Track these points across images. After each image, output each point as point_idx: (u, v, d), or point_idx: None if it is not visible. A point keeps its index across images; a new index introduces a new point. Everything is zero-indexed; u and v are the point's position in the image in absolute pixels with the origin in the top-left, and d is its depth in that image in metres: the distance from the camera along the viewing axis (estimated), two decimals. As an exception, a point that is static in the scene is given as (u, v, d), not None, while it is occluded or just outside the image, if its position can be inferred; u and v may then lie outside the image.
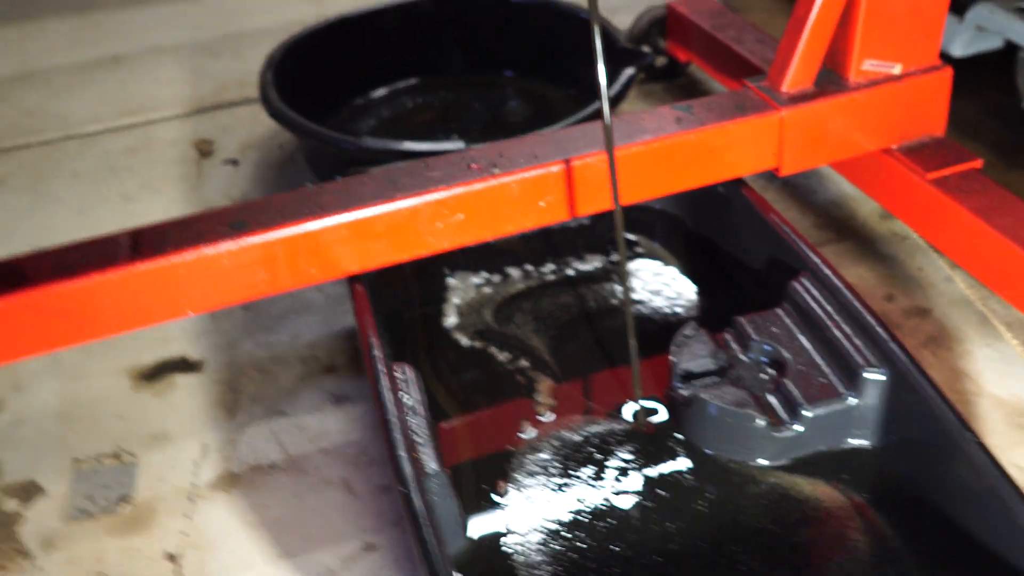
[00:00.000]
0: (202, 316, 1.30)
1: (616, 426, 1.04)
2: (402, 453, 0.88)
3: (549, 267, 1.26)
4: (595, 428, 1.04)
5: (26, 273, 0.95)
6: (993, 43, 1.58)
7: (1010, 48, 1.53)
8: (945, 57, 1.51)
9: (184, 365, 1.23)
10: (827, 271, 1.06)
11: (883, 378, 0.96)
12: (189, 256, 0.96)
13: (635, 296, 1.21)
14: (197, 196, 1.57)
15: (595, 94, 0.89)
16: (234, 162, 1.65)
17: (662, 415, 1.04)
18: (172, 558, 1.01)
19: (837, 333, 1.01)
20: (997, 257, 1.08)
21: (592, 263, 1.27)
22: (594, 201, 1.09)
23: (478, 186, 1.04)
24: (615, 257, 1.27)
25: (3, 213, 1.57)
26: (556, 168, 1.05)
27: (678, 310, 1.20)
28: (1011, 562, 0.82)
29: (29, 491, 1.10)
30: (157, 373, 1.23)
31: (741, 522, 0.94)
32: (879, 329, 0.98)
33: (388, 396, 0.93)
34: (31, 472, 1.12)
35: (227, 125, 1.76)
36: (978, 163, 1.17)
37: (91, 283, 0.94)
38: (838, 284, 1.04)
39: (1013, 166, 1.48)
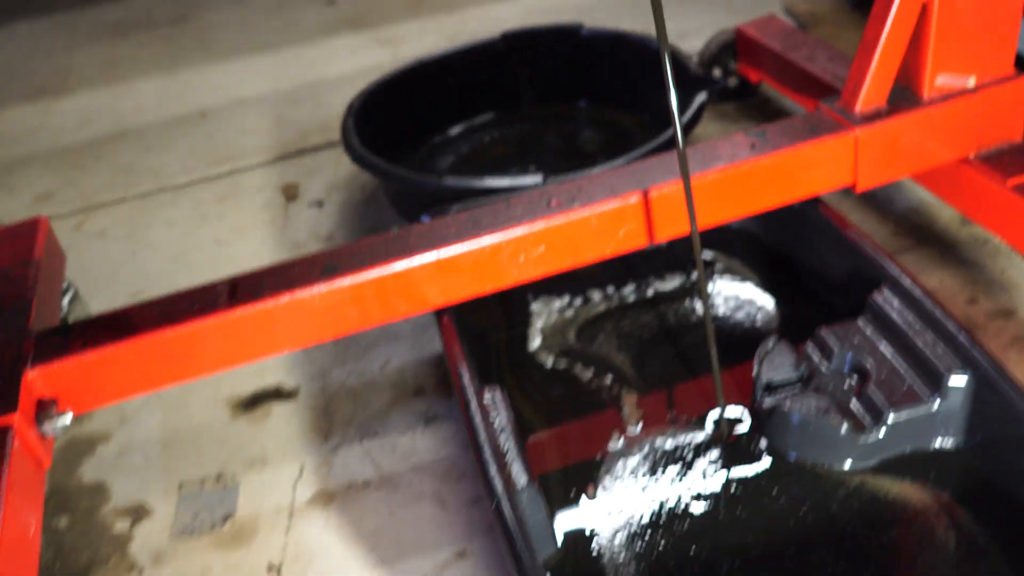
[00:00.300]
0: (296, 349, 1.35)
1: (700, 434, 1.06)
2: (493, 471, 0.91)
3: (629, 288, 1.29)
4: (680, 437, 1.06)
5: (134, 322, 1.02)
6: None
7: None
8: (1021, 61, 1.51)
9: (280, 394, 1.28)
10: (907, 281, 1.06)
11: (966, 381, 0.96)
12: (284, 300, 1.02)
13: (715, 311, 1.23)
14: (285, 238, 1.63)
15: (668, 119, 0.92)
16: (319, 204, 1.71)
17: (745, 423, 1.05)
18: (273, 568, 1.06)
19: (919, 340, 1.01)
20: (1080, 258, 1.07)
21: (671, 283, 1.29)
22: (671, 227, 1.11)
23: (559, 220, 1.07)
24: (694, 276, 1.29)
25: (105, 262, 1.65)
26: (634, 199, 1.08)
27: (758, 324, 1.21)
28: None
29: (138, 512, 1.16)
30: (254, 402, 1.28)
31: (827, 524, 0.94)
32: (961, 333, 0.98)
33: (478, 419, 0.97)
34: (139, 495, 1.18)
35: (311, 169, 1.82)
36: (1057, 166, 1.17)
37: (193, 329, 1.00)
38: (918, 293, 1.04)
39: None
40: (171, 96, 2.23)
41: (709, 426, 1.06)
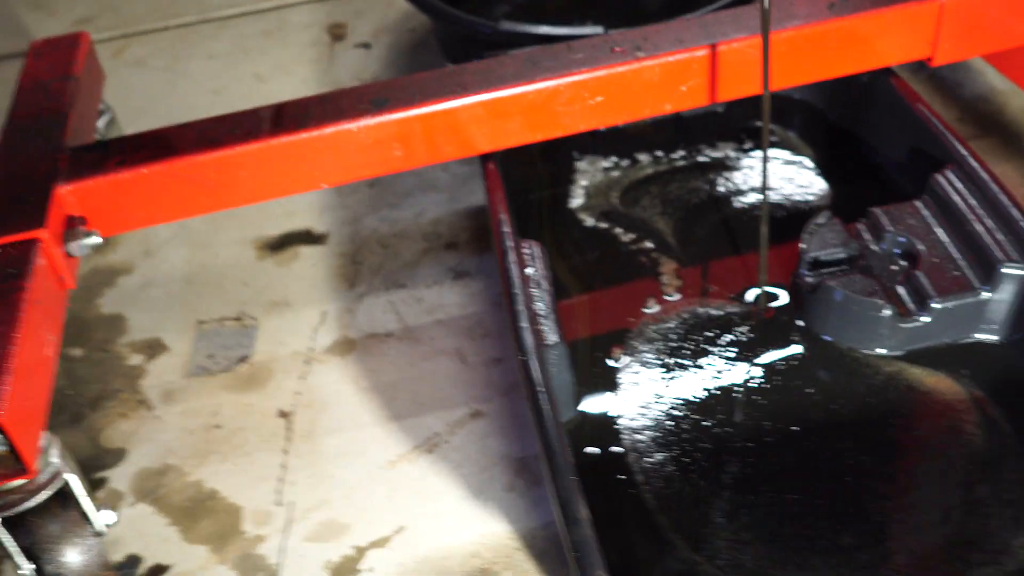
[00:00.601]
0: (329, 192, 1.32)
1: (737, 309, 1.03)
2: (524, 324, 0.89)
3: (679, 153, 1.24)
4: (715, 310, 1.03)
5: (173, 143, 0.99)
6: None
7: None
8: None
9: (308, 237, 1.26)
10: (974, 163, 1.01)
11: (1022, 273, 0.92)
12: (328, 131, 0.98)
13: (769, 184, 1.18)
14: (328, 78, 1.58)
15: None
16: (366, 46, 1.66)
17: (783, 300, 1.02)
18: (284, 414, 1.05)
19: (978, 227, 0.97)
20: None
21: (723, 150, 1.24)
22: (737, 86, 1.06)
23: (620, 69, 1.02)
24: (748, 145, 1.23)
25: (143, 92, 1.61)
26: (701, 53, 1.03)
27: (810, 199, 1.17)
28: None
29: (154, 348, 1.15)
30: (282, 244, 1.26)
31: (856, 411, 0.92)
32: (1023, 223, 0.93)
33: (514, 269, 0.94)
34: (156, 331, 1.17)
35: (360, 9, 1.77)
36: None
37: (234, 154, 0.97)
38: (985, 177, 0.99)
39: None
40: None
41: (747, 301, 1.03)
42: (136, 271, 1.26)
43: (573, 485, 0.77)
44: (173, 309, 1.19)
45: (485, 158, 1.07)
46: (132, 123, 1.48)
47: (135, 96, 1.60)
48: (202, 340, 1.15)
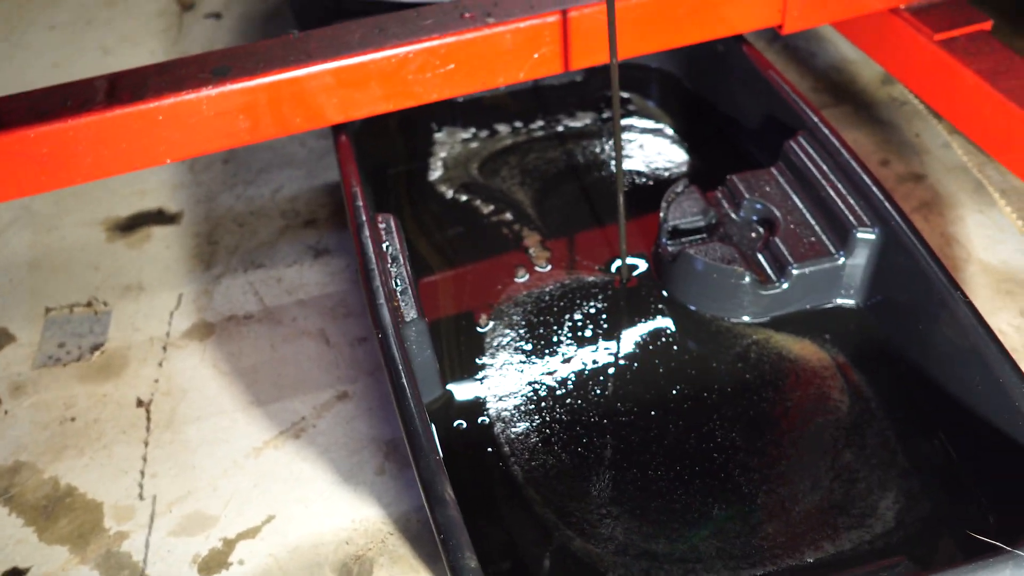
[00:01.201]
0: (181, 169, 1.26)
1: (600, 279, 1.02)
2: (382, 301, 0.86)
3: (538, 123, 1.23)
4: (576, 282, 1.02)
5: (1, 117, 0.92)
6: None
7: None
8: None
9: (161, 217, 1.20)
10: (825, 130, 1.02)
11: (874, 237, 0.94)
12: (168, 101, 0.93)
13: (627, 155, 1.18)
14: (177, 50, 1.52)
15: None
16: (217, 16, 1.59)
17: (644, 268, 1.02)
18: (142, 403, 1.00)
19: (831, 192, 0.98)
20: (1000, 120, 1.04)
21: (582, 120, 1.23)
22: (590, 54, 1.05)
23: (471, 35, 1.00)
24: (607, 114, 1.23)
25: (-23, 65, 1.52)
26: (552, 19, 1.01)
27: (669, 168, 1.17)
28: (991, 421, 0.80)
29: None
30: (133, 225, 1.20)
31: (722, 378, 0.92)
32: (874, 189, 0.95)
33: (369, 245, 0.91)
34: (1, 320, 1.09)
35: (210, -22, 1.70)
36: (987, 24, 1.13)
37: (67, 127, 0.92)
38: (836, 143, 1.01)
39: (1020, 30, 1.43)
40: None
41: (609, 272, 1.03)
42: (-26, 257, 1.18)
43: (437, 465, 0.75)
44: (18, 296, 1.12)
45: (338, 131, 1.04)
46: (-37, 99, 1.40)
47: (-32, 70, 1.50)
48: (51, 328, 1.08)
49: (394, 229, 0.94)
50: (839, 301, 0.98)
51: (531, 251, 1.06)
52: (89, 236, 1.19)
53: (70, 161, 0.94)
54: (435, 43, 0.99)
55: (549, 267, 1.04)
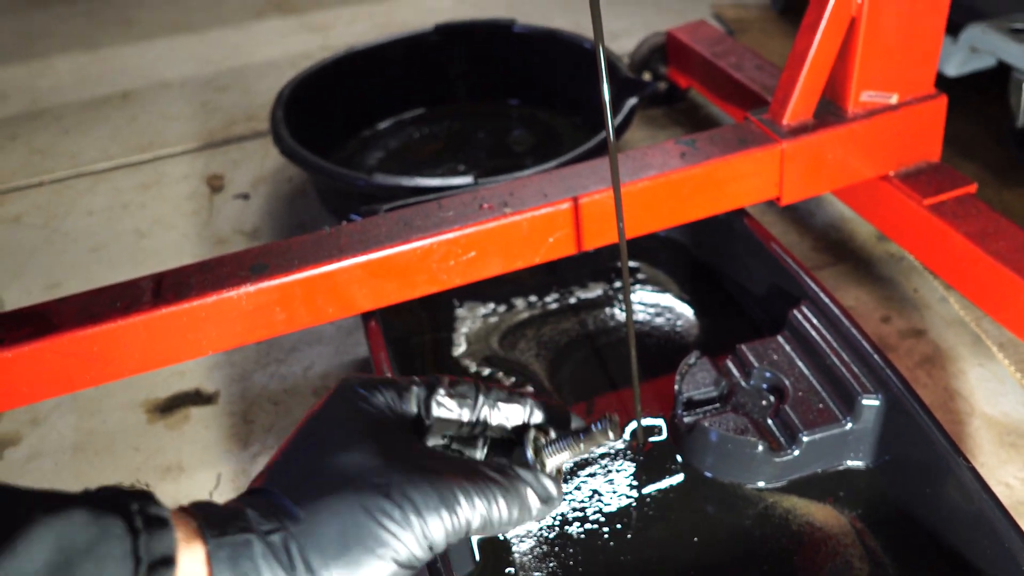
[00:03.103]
0: (216, 350, 1.32)
1: (616, 445, 1.07)
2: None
3: (552, 296, 1.29)
4: (595, 448, 1.07)
5: (52, 319, 0.99)
6: (987, 62, 1.61)
7: (1003, 67, 1.56)
8: (940, 77, 1.55)
9: (199, 398, 1.26)
10: (825, 299, 1.08)
11: (878, 403, 0.99)
12: (210, 300, 1.00)
13: (638, 322, 1.24)
14: (209, 231, 1.60)
15: (599, 121, 0.92)
16: (245, 196, 1.68)
17: (663, 434, 1.06)
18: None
19: (835, 360, 1.03)
20: (990, 280, 1.10)
21: (594, 291, 1.30)
22: (601, 236, 1.12)
23: (490, 225, 1.07)
24: (618, 284, 1.30)
25: (18, 251, 1.60)
26: (565, 206, 1.09)
27: (680, 335, 1.23)
28: (1003, 582, 0.84)
29: (51, 525, 1.12)
30: (172, 406, 1.26)
31: (738, 543, 0.96)
32: (875, 355, 1.01)
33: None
34: (49, 507, 1.14)
35: (237, 159, 1.80)
36: (972, 188, 1.20)
37: (115, 328, 0.98)
38: (836, 311, 1.06)
39: (1007, 184, 1.50)
40: (91, 76, 2.17)
41: (626, 436, 1.07)
42: (23, 442, 1.23)
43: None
44: (63, 481, 1.17)
45: (367, 316, 1.10)
46: (9, 284, 1.48)
47: (11, 255, 1.58)
48: (93, 511, 1.13)
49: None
50: (849, 463, 1.02)
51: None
52: (130, 418, 1.25)
53: (118, 358, 1.00)
54: (456, 234, 1.06)
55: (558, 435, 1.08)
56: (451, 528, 0.59)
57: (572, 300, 1.29)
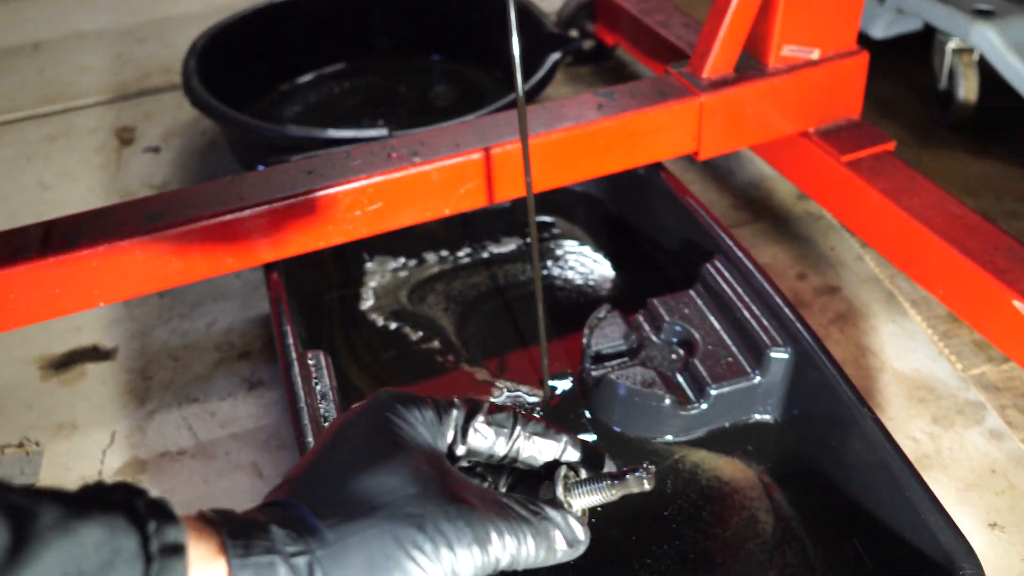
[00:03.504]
0: (116, 304, 1.28)
1: (525, 402, 1.04)
2: (311, 439, 0.88)
3: (464, 250, 1.26)
4: (503, 404, 1.04)
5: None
6: (913, 25, 1.60)
7: (929, 29, 1.56)
8: (866, 39, 1.54)
9: (96, 354, 1.22)
10: (739, 253, 1.07)
11: (787, 356, 0.97)
12: (102, 248, 0.96)
13: (551, 276, 1.22)
14: (116, 185, 1.54)
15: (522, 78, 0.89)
16: (156, 149, 1.63)
17: (568, 390, 1.04)
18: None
19: (746, 313, 1.02)
20: (904, 236, 1.09)
21: (508, 246, 1.27)
22: (514, 187, 1.09)
23: (398, 174, 1.04)
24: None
25: (-83, 202, 1.54)
26: (476, 156, 1.06)
27: (594, 290, 1.21)
28: (900, 530, 0.83)
29: (-72, 484, 1.08)
30: (67, 362, 1.21)
31: (648, 496, 0.93)
32: (785, 309, 0.99)
33: (299, 383, 0.93)
34: (-65, 464, 1.10)
35: (150, 112, 1.74)
36: (891, 145, 1.19)
37: (1, 276, 0.93)
38: (748, 265, 1.05)
39: (927, 145, 1.50)
40: (1, 24, 2.09)
41: (533, 395, 1.05)
42: (-97, 397, 1.18)
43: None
44: (-53, 438, 1.13)
45: (269, 267, 1.07)
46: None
47: (-94, 209, 1.52)
48: (-19, 470, 1.09)
49: (324, 366, 0.96)
50: (757, 417, 1.01)
51: (459, 374, 1.09)
52: (22, 374, 1.20)
53: (4, 308, 0.95)
54: (363, 183, 1.03)
55: (469, 392, 1.06)
56: (480, 565, 0.57)
57: (484, 255, 1.26)
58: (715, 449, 0.99)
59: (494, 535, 0.58)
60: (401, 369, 1.11)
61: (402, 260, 1.25)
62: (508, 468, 0.69)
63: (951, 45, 1.48)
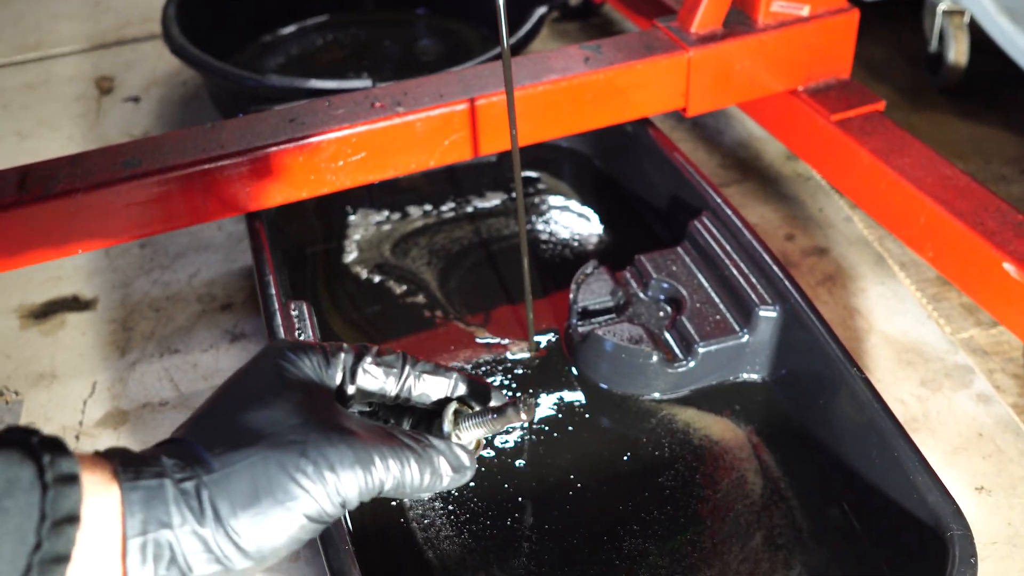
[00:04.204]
0: (97, 254, 1.26)
1: (510, 356, 1.04)
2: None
3: (449, 204, 1.25)
4: (488, 359, 1.03)
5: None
6: (904, -13, 1.59)
7: (920, -9, 1.54)
8: (857, 1, 1.52)
9: (76, 304, 1.20)
10: (727, 210, 1.06)
11: (775, 315, 0.97)
12: (79, 195, 0.94)
13: (537, 232, 1.21)
14: (96, 134, 1.52)
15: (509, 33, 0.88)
16: (135, 99, 1.60)
17: (553, 340, 1.04)
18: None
19: (734, 271, 1.01)
20: (893, 197, 1.09)
21: (492, 200, 1.26)
22: (498, 140, 1.08)
23: (382, 124, 1.02)
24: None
25: None
26: (461, 107, 1.04)
27: (581, 247, 1.19)
28: (888, 491, 0.83)
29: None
30: (47, 312, 1.19)
31: (634, 456, 0.94)
32: (774, 267, 0.99)
33: (282, 334, 0.92)
34: (-92, 413, 1.08)
35: (129, 61, 1.71)
36: (881, 105, 1.18)
37: (-26, 220, 0.91)
38: (737, 223, 1.04)
39: (917, 107, 1.49)
40: (-23, -29, 2.04)
41: (518, 350, 1.04)
42: None
43: (347, 555, 0.75)
44: (-78, 387, 1.11)
45: (252, 217, 1.05)
46: None
47: None
48: (-42, 421, 1.07)
49: (307, 316, 0.95)
50: (745, 376, 1.01)
51: (444, 329, 1.08)
52: (2, 324, 1.18)
53: (-22, 253, 0.94)
54: (346, 132, 1.01)
55: (453, 348, 1.05)
56: (364, 486, 0.60)
57: (469, 209, 1.25)
58: (702, 408, 0.98)
59: (377, 458, 0.60)
60: (385, 322, 1.10)
61: (386, 213, 1.23)
62: (409, 410, 0.72)
63: (941, 7, 1.46)
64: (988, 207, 1.03)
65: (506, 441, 0.95)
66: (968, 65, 1.47)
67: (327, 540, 0.75)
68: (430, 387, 0.70)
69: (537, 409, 0.71)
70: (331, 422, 0.61)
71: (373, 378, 0.68)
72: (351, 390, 0.68)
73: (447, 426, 0.69)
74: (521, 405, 0.68)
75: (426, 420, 0.71)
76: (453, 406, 0.70)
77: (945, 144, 1.40)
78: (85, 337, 1.15)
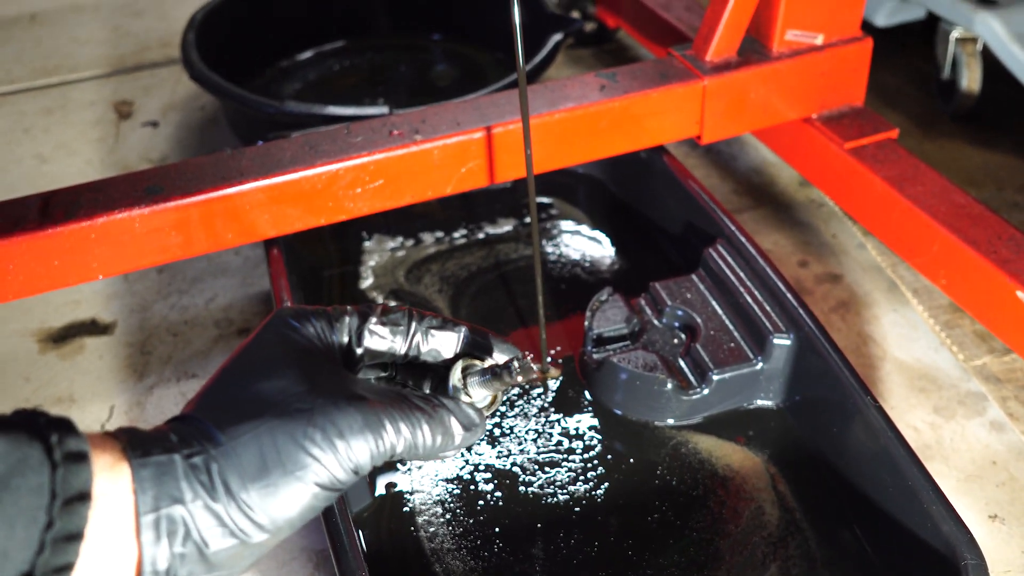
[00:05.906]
0: (116, 279, 1.27)
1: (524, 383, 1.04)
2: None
3: (461, 231, 1.26)
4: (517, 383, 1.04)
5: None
6: (916, 13, 1.60)
7: (932, 18, 1.55)
8: (869, 27, 1.53)
9: (95, 328, 1.21)
10: (741, 238, 1.06)
11: (789, 342, 0.97)
12: (100, 221, 0.95)
13: (551, 258, 1.21)
14: (114, 158, 1.53)
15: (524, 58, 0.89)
16: (154, 124, 1.62)
17: (567, 368, 1.04)
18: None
19: (748, 299, 1.02)
20: (906, 225, 1.09)
21: (506, 227, 1.27)
22: (515, 167, 1.09)
23: (400, 152, 1.03)
24: (529, 219, 1.26)
25: (-88, 173, 1.52)
26: (478, 135, 1.05)
27: (595, 273, 1.20)
28: (902, 523, 0.83)
29: (-72, 456, 1.07)
30: (66, 336, 1.20)
31: (648, 482, 0.94)
32: (788, 295, 0.99)
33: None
34: (-69, 435, 1.09)
35: (148, 86, 1.72)
36: (894, 133, 1.18)
37: (-1, 247, 0.93)
38: (751, 250, 1.05)
39: (929, 135, 1.50)
40: (-2, -4, 2.07)
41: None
42: (-97, 370, 1.17)
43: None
44: (-57, 410, 1.12)
45: (270, 243, 1.06)
46: None
47: (-98, 180, 1.50)
48: (-23, 443, 1.08)
49: (323, 342, 0.96)
50: (759, 403, 1.01)
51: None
52: (21, 347, 1.19)
53: (1, 279, 0.95)
54: (364, 160, 1.02)
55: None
56: (376, 450, 0.59)
57: (481, 235, 1.26)
58: (717, 434, 0.99)
59: (387, 422, 0.60)
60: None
61: (400, 239, 1.24)
62: (426, 371, 0.71)
63: (954, 34, 1.47)
64: (1002, 235, 1.03)
65: (515, 464, 0.95)
66: (981, 92, 1.48)
67: (344, 569, 0.76)
68: (440, 343, 0.69)
69: (558, 370, 0.71)
70: (338, 387, 0.60)
71: (380, 338, 0.67)
72: (359, 352, 0.67)
73: (456, 383, 0.67)
74: (522, 363, 0.67)
75: (445, 380, 0.70)
76: (461, 363, 0.68)
77: (958, 171, 1.41)
78: (103, 361, 1.16)
